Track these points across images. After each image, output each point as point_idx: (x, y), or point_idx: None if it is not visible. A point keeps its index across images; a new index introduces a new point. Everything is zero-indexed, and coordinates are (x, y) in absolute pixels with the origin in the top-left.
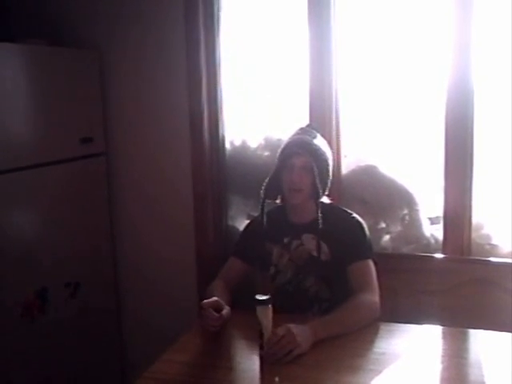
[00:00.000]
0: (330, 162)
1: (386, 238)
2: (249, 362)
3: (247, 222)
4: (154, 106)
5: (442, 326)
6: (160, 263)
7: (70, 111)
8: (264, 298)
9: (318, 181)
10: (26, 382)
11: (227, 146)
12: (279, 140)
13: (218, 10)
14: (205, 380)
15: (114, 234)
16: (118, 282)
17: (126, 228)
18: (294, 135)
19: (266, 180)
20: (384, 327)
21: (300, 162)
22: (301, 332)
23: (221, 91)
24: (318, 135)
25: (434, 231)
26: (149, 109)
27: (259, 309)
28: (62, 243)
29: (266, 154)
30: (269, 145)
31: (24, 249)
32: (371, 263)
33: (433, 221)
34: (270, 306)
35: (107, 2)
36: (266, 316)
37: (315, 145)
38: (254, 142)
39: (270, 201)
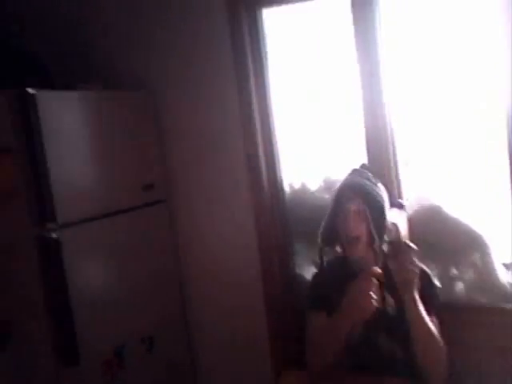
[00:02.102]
0: (386, 205)
1: (460, 286)
2: None
3: (313, 269)
4: (210, 149)
5: None
6: (230, 314)
7: (130, 156)
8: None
9: (373, 226)
10: None
11: (286, 188)
12: (338, 181)
13: (266, 55)
14: None
15: (183, 282)
16: (190, 333)
17: (193, 277)
18: (347, 177)
19: (322, 225)
20: None
21: (353, 206)
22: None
23: (274, 132)
24: (371, 176)
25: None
26: (205, 152)
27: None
28: (133, 296)
29: (327, 196)
30: (328, 187)
31: (99, 304)
32: (434, 319)
33: (508, 267)
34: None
35: (158, 44)
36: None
37: (368, 186)
38: (314, 184)
39: (327, 248)
